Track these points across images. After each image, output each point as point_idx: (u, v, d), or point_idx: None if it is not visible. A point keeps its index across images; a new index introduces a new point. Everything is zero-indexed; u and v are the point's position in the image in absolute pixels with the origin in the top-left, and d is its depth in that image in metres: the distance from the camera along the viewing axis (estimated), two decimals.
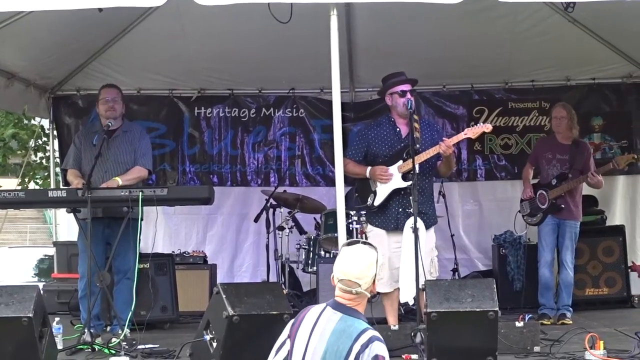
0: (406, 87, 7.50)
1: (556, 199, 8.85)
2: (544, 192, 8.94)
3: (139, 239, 7.65)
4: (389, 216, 7.45)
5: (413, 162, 7.09)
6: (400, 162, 7.36)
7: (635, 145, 10.55)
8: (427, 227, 7.37)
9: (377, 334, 4.07)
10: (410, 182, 7.20)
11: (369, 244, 4.37)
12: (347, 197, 7.80)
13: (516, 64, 10.38)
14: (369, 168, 7.48)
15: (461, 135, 7.49)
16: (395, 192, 7.39)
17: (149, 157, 8.23)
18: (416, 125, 7.40)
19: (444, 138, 7.30)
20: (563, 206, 8.82)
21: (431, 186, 7.67)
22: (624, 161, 9.04)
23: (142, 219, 7.78)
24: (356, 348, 4.03)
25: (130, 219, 7.53)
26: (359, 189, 7.78)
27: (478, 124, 7.53)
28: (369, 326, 4.11)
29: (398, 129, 7.50)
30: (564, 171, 8.89)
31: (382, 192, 7.45)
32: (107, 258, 7.81)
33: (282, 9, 7.48)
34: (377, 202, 7.47)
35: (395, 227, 7.37)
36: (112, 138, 8.04)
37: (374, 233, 7.54)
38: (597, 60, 10.25)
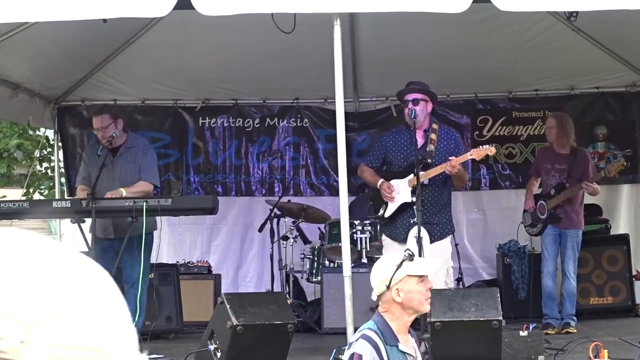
0: (411, 96, 7.51)
1: (555, 208, 8.86)
2: (543, 203, 8.96)
3: (143, 250, 7.69)
4: (399, 227, 7.46)
5: (417, 175, 7.11)
6: (412, 175, 7.34)
7: (639, 154, 10.52)
8: (442, 237, 7.43)
9: (368, 333, 4.04)
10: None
11: (409, 250, 4.32)
12: (352, 207, 7.83)
13: (520, 73, 10.38)
14: (380, 181, 7.52)
15: (466, 156, 7.45)
16: (406, 205, 7.40)
17: (154, 171, 8.25)
18: (433, 136, 7.42)
19: (450, 158, 7.27)
20: (561, 216, 8.83)
21: (446, 196, 7.64)
22: (615, 169, 8.99)
23: (154, 229, 7.98)
24: (347, 348, 4.08)
25: (143, 235, 7.56)
26: (373, 199, 7.86)
27: (483, 146, 7.48)
28: (369, 327, 4.08)
29: (415, 139, 7.52)
30: (561, 181, 8.90)
31: (392, 205, 7.49)
32: (118, 268, 7.89)
33: (286, 19, 7.49)
34: (387, 214, 7.52)
35: (404, 238, 7.36)
36: (117, 156, 8.12)
37: (387, 243, 7.62)
38: (601, 69, 10.25)
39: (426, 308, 4.26)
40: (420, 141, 7.46)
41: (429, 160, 7.32)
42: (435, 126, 7.55)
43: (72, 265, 0.99)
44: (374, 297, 4.19)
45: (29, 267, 0.95)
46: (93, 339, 0.96)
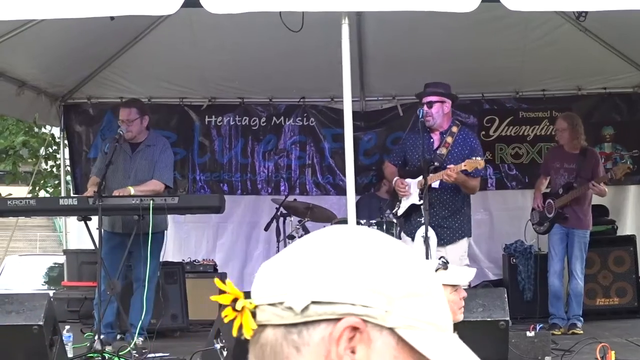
0: (426, 98, 7.53)
1: (562, 208, 8.84)
2: (551, 201, 8.95)
3: (153, 249, 7.70)
4: (412, 226, 7.51)
5: (425, 178, 7.12)
6: (421, 177, 7.34)
7: None
8: (451, 241, 7.46)
9: None
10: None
11: (443, 258, 4.25)
12: (357, 206, 7.81)
13: (527, 73, 10.35)
14: (395, 178, 7.59)
15: (461, 166, 7.39)
16: (414, 206, 7.42)
17: (168, 171, 8.27)
18: (449, 139, 7.42)
19: (448, 166, 7.26)
20: (568, 215, 8.82)
21: (459, 201, 7.59)
22: (621, 171, 8.95)
23: (165, 228, 8.07)
24: None
25: (154, 233, 7.57)
26: (393, 195, 8.00)
27: (475, 158, 7.41)
28: None
29: (432, 140, 7.51)
30: (570, 180, 8.89)
31: (404, 204, 7.56)
32: (129, 266, 7.91)
33: (294, 17, 7.48)
34: (399, 212, 7.60)
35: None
36: (135, 153, 8.17)
37: (405, 241, 7.62)
38: (608, 69, 10.23)
39: (459, 317, 4.08)
40: (436, 143, 7.47)
41: (437, 164, 7.31)
42: (454, 129, 7.51)
43: (416, 255, 1.31)
44: None
45: (393, 256, 1.27)
46: (433, 316, 1.27)
